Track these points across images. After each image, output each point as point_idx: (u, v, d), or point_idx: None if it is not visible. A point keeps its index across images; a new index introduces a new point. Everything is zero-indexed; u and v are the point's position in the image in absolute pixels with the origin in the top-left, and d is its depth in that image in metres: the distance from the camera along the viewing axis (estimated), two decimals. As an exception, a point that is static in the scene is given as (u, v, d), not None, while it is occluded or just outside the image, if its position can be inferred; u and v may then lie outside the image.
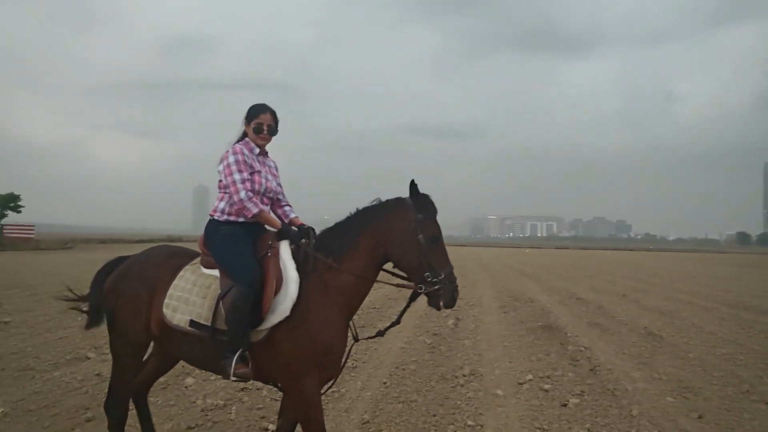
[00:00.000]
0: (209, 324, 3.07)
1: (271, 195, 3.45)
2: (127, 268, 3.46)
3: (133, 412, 4.47)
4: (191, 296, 3.17)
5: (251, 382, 3.55)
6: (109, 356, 3.48)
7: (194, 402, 4.93)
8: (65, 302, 3.84)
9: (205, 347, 3.09)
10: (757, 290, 17.42)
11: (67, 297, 3.82)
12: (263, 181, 3.36)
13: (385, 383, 5.68)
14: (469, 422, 4.63)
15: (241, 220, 3.31)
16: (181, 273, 3.29)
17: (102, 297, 3.49)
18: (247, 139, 3.42)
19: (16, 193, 36.16)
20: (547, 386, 5.67)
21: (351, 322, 3.23)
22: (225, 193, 3.32)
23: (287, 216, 3.54)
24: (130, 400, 3.75)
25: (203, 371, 5.12)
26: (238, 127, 3.49)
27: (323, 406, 3.23)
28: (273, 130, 3.43)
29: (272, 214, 3.46)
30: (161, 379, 5.45)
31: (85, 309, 3.64)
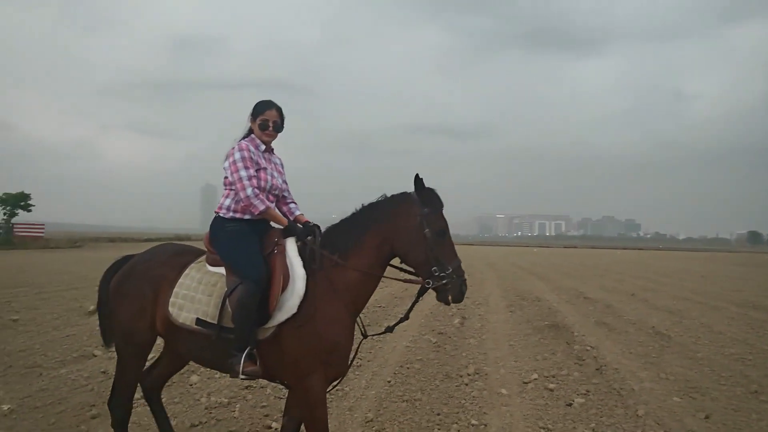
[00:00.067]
0: (216, 322, 3.06)
1: (276, 192, 3.43)
2: (131, 268, 3.46)
3: (137, 410, 4.51)
4: (197, 294, 3.16)
5: (255, 380, 3.55)
6: (115, 354, 3.49)
7: (198, 400, 4.95)
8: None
9: (212, 345, 3.08)
10: (767, 290, 17.23)
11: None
12: (269, 177, 3.35)
13: (389, 382, 5.67)
14: (473, 421, 4.61)
15: (247, 217, 3.29)
16: (187, 271, 3.29)
17: (108, 297, 3.51)
18: (252, 135, 3.41)
19: (26, 192, 36.48)
20: (552, 385, 5.63)
21: (358, 319, 3.21)
22: (231, 190, 3.30)
23: (292, 213, 3.53)
24: (145, 400, 3.77)
25: (208, 369, 5.14)
26: (246, 126, 3.48)
27: (327, 405, 3.22)
28: (279, 127, 3.42)
29: (278, 212, 3.45)
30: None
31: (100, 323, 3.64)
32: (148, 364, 3.67)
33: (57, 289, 12.31)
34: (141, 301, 3.31)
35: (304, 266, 3.07)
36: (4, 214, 35.74)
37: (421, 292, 3.17)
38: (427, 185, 3.13)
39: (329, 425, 3.17)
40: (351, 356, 3.18)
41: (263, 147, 3.41)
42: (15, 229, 37.04)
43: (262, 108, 3.39)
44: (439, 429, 4.48)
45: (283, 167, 3.58)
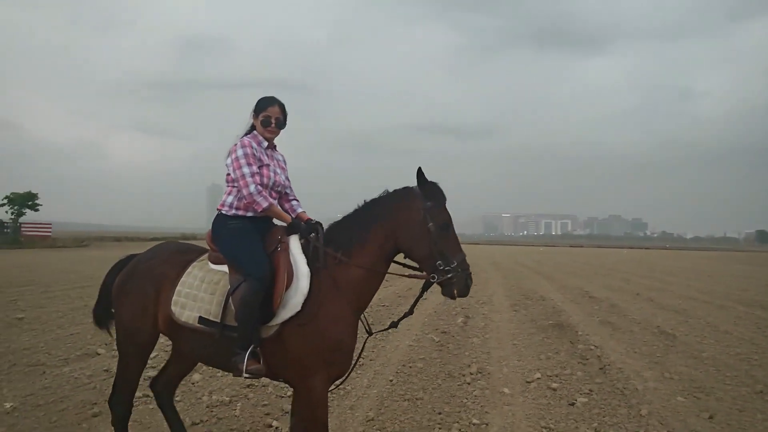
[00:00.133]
0: (218, 320, 3.05)
1: (279, 189, 3.42)
2: (134, 267, 3.46)
3: (138, 408, 4.53)
4: (199, 293, 3.15)
5: (258, 378, 3.53)
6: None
7: (200, 398, 4.95)
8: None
9: (215, 344, 3.07)
10: (775, 289, 17.10)
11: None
12: (272, 174, 3.33)
13: (391, 381, 5.66)
14: (475, 420, 4.58)
15: (249, 214, 3.28)
16: (189, 269, 3.28)
17: (111, 296, 3.53)
18: (255, 132, 3.38)
19: (34, 191, 36.74)
20: (555, 385, 5.60)
21: (363, 316, 3.19)
22: (233, 187, 3.29)
23: (294, 211, 3.50)
24: (158, 407, 3.78)
25: (210, 368, 5.14)
26: (248, 122, 3.44)
27: (328, 404, 3.20)
28: (281, 123, 3.39)
29: (281, 209, 3.42)
30: (168, 375, 5.50)
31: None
32: (151, 363, 3.68)
33: (63, 288, 12.38)
34: (143, 300, 3.30)
35: (308, 264, 3.05)
36: (12, 213, 36.01)
37: (426, 287, 3.14)
38: (429, 179, 3.09)
39: (330, 424, 3.15)
40: (355, 355, 3.16)
41: (266, 144, 3.38)
42: (22, 229, 37.32)
43: (265, 104, 3.36)
44: (440, 428, 4.47)
45: (285, 164, 3.56)
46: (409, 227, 3.03)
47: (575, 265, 29.69)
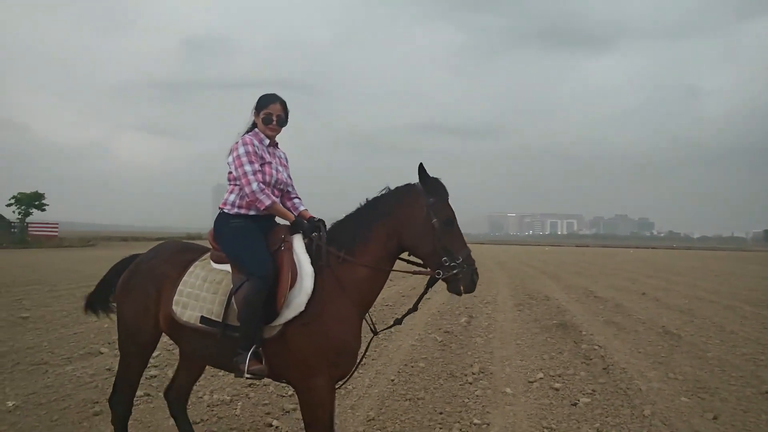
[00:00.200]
0: (220, 320, 3.03)
1: (281, 187, 3.40)
2: (136, 266, 3.46)
3: (139, 407, 4.54)
4: (201, 292, 3.13)
5: (260, 379, 3.51)
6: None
7: (201, 397, 4.95)
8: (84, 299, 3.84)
9: (217, 344, 3.05)
10: (782, 289, 16.95)
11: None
12: (274, 172, 3.31)
13: (392, 380, 5.64)
14: (476, 420, 4.56)
15: (252, 213, 3.26)
16: (191, 269, 3.26)
17: (107, 291, 3.57)
18: (256, 129, 3.36)
19: (40, 191, 37.00)
20: (557, 385, 5.57)
21: (368, 315, 3.17)
22: (235, 185, 3.27)
23: (296, 208, 3.48)
24: (171, 417, 3.77)
25: (211, 367, 5.14)
26: (249, 120, 3.43)
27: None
28: (282, 121, 3.37)
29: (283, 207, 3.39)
30: (169, 374, 5.51)
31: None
32: (153, 362, 3.66)
33: (68, 287, 12.45)
34: (145, 299, 3.29)
35: (312, 263, 3.03)
36: (19, 213, 36.29)
37: (431, 283, 3.12)
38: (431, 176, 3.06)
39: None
40: (359, 356, 3.14)
41: (267, 141, 3.36)
42: (29, 229, 37.59)
43: (266, 102, 3.34)
44: (440, 428, 4.44)
45: (287, 161, 3.54)
46: (412, 224, 3.00)
47: (580, 264, 29.55)
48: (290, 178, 3.52)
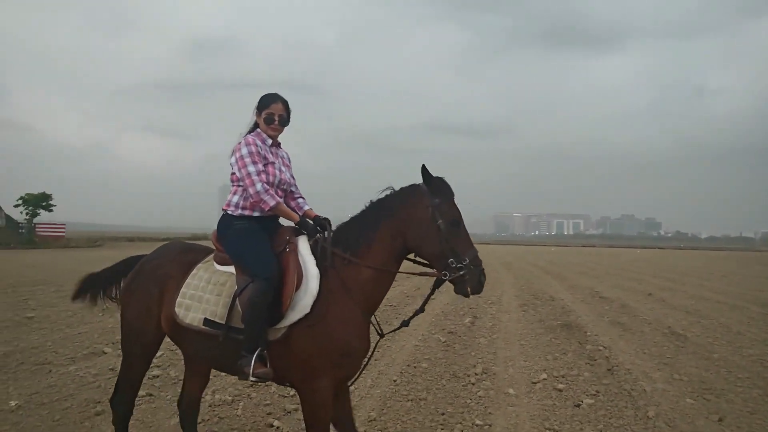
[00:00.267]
0: (223, 322, 3.01)
1: (284, 187, 3.38)
2: (140, 267, 3.45)
3: (141, 407, 4.54)
4: (205, 294, 3.11)
5: (263, 382, 3.47)
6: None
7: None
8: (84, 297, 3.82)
9: (220, 346, 3.03)
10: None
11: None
12: (277, 172, 3.29)
13: (395, 381, 5.62)
14: (478, 421, 4.53)
15: (256, 214, 3.24)
16: (194, 271, 3.24)
17: (99, 284, 3.64)
18: (258, 130, 3.34)
19: (48, 192, 37.25)
20: (561, 386, 5.53)
21: (374, 318, 3.14)
22: (239, 186, 3.25)
23: (301, 208, 3.46)
24: (180, 423, 3.73)
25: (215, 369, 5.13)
26: (251, 120, 3.41)
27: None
28: (284, 121, 3.35)
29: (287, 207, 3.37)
30: (172, 374, 5.53)
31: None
32: (155, 362, 3.63)
33: (73, 287, 12.48)
34: (147, 300, 3.28)
35: (317, 265, 3.01)
36: (27, 214, 36.55)
37: (437, 285, 3.09)
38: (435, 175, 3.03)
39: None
40: (366, 358, 3.11)
41: (270, 141, 3.34)
42: (37, 229, 37.85)
43: (268, 101, 3.32)
44: (442, 429, 4.42)
45: (290, 161, 3.52)
46: (417, 225, 2.97)
47: (587, 264, 29.42)
48: (293, 177, 3.49)
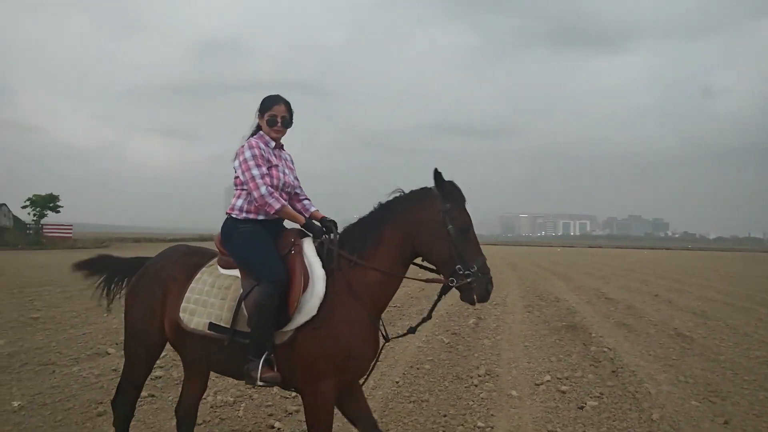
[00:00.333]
0: (229, 326, 2.98)
1: (289, 189, 3.35)
2: (145, 269, 3.44)
3: (143, 408, 4.55)
4: (209, 298, 3.09)
5: (270, 387, 3.42)
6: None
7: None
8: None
9: (226, 351, 3.00)
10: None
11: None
12: (281, 175, 3.26)
13: (397, 382, 5.60)
14: (480, 423, 4.50)
15: (260, 217, 3.22)
16: (198, 275, 3.22)
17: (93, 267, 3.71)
18: (261, 132, 3.32)
19: (55, 193, 37.52)
20: (564, 387, 5.49)
21: (380, 321, 3.10)
22: (243, 189, 3.22)
23: (307, 210, 3.42)
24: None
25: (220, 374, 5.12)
26: (253, 122, 3.38)
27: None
28: (287, 122, 3.32)
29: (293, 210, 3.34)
30: (174, 375, 5.53)
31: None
32: (159, 362, 3.61)
33: (80, 287, 12.53)
34: (152, 302, 3.26)
35: (323, 266, 2.99)
36: (34, 215, 36.83)
37: (444, 291, 3.06)
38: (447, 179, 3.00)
39: (334, 425, 3.08)
40: (373, 361, 3.08)
41: (273, 144, 3.31)
42: (44, 230, 38.11)
43: (270, 103, 3.29)
44: (444, 431, 4.40)
45: (293, 163, 3.49)
46: (427, 229, 2.94)
47: (593, 265, 29.27)
48: (297, 179, 3.47)
